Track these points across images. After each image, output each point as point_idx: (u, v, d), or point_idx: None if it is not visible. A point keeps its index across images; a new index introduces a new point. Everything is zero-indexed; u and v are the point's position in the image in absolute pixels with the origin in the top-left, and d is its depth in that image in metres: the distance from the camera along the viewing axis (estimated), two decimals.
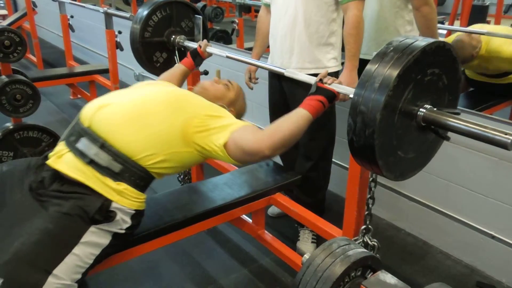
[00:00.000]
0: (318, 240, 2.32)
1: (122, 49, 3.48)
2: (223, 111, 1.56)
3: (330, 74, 1.57)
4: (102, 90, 4.22)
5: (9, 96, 2.65)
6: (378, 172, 1.20)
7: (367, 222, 1.53)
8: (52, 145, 2.74)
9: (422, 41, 1.10)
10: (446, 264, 2.26)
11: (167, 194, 1.96)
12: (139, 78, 4.88)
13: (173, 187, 2.15)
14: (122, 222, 1.42)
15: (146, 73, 4.49)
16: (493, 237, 2.12)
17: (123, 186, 1.41)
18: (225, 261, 2.26)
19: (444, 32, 4.66)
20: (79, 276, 1.32)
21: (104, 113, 1.50)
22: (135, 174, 1.44)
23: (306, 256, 1.16)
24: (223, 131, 1.45)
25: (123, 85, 4.88)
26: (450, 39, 3.04)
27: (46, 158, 1.49)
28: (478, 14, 4.92)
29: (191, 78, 2.43)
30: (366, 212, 1.52)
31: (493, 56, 2.77)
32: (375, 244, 1.53)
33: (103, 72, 4.10)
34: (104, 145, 1.42)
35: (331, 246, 1.15)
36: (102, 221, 1.36)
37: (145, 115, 1.49)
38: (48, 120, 4.01)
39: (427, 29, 2.15)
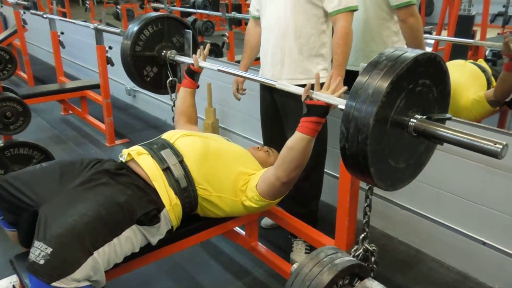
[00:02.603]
0: (312, 250, 2.32)
1: (112, 64, 3.50)
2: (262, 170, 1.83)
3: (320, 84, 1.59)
4: (93, 106, 4.24)
5: None
6: (370, 181, 1.21)
7: (366, 230, 1.54)
8: (43, 162, 2.73)
9: (414, 52, 1.13)
10: (439, 271, 2.28)
11: None
12: (130, 92, 4.89)
13: None
14: (158, 233, 1.58)
15: (137, 88, 4.50)
16: (484, 243, 2.14)
17: (178, 202, 1.64)
18: (219, 274, 2.26)
19: (432, 42, 4.74)
20: (108, 267, 1.44)
21: (187, 139, 1.80)
22: (190, 198, 1.68)
23: (295, 265, 1.16)
24: (256, 178, 1.74)
25: (115, 100, 4.88)
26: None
27: (99, 161, 1.69)
28: (465, 24, 5.00)
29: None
30: (365, 220, 1.54)
31: (459, 112, 2.55)
32: (375, 249, 1.55)
33: (94, 87, 4.11)
34: (182, 161, 1.69)
35: (318, 255, 1.16)
36: (145, 223, 1.51)
37: (221, 159, 1.78)
38: (39, 136, 3.99)
39: (413, 40, 2.19)
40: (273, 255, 2.15)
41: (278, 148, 1.91)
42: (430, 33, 5.58)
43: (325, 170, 2.40)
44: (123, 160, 1.71)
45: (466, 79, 2.69)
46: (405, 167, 1.28)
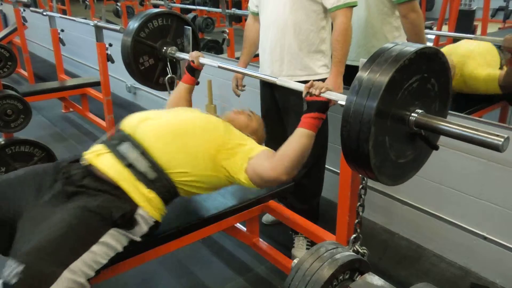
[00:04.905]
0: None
1: (113, 62, 3.49)
2: (248, 139, 1.68)
3: (320, 80, 1.58)
4: (94, 103, 4.24)
5: (0, 111, 2.64)
6: (371, 175, 1.21)
7: (358, 231, 1.51)
8: (45, 159, 2.74)
9: (415, 46, 1.12)
10: (440, 266, 2.28)
11: None
12: (131, 89, 4.89)
13: None
14: (140, 231, 1.49)
15: (138, 85, 4.50)
16: (485, 238, 2.14)
17: (152, 195, 1.51)
18: (220, 270, 2.26)
19: (433, 37, 4.73)
20: (92, 274, 1.36)
21: (148, 125, 1.64)
22: (165, 186, 1.55)
23: (295, 261, 1.17)
24: (245, 157, 1.57)
25: (115, 97, 4.87)
26: None
27: (77, 160, 1.58)
28: (465, 19, 4.99)
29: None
30: (357, 221, 1.51)
31: (468, 80, 2.73)
32: (365, 251, 1.53)
33: (95, 85, 4.09)
34: (144, 153, 1.55)
35: (319, 250, 1.16)
36: (123, 226, 1.43)
37: (185, 135, 1.61)
38: (40, 134, 4.00)
39: (414, 35, 2.18)
40: (274, 251, 2.15)
41: (279, 146, 1.90)
42: (431, 28, 5.58)
43: (326, 166, 2.40)
44: (85, 164, 1.57)
45: (477, 47, 2.81)
46: (406, 162, 1.28)
